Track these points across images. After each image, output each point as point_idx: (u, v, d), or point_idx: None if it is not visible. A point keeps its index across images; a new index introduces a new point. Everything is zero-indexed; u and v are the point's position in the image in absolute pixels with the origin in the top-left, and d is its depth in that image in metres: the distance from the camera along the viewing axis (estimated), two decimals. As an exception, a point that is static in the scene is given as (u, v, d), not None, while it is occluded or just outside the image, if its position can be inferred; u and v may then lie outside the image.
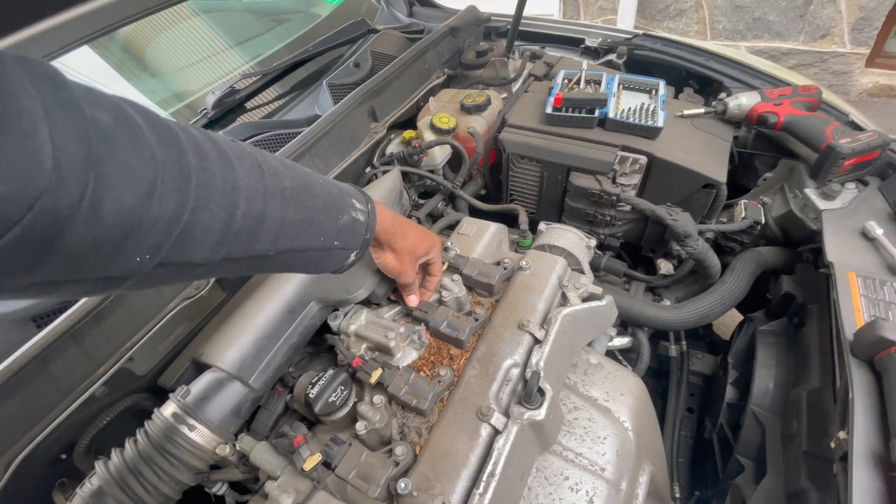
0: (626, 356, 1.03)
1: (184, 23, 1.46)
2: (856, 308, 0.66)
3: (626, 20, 3.32)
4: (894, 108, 3.09)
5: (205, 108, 1.07)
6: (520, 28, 1.30)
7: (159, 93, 1.36)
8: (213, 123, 1.08)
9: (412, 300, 0.74)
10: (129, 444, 0.59)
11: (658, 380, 1.30)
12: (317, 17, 1.55)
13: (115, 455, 0.58)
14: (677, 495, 1.04)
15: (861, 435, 0.54)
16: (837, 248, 0.76)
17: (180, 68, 1.44)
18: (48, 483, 0.68)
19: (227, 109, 1.11)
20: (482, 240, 0.89)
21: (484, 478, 0.55)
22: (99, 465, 0.58)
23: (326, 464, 0.59)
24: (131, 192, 0.32)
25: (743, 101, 0.99)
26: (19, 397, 0.61)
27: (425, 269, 0.77)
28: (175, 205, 0.35)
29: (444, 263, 0.81)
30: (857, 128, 0.95)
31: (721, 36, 3.24)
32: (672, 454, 1.08)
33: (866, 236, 0.77)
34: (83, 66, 1.13)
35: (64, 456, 0.68)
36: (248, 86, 1.15)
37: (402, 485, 0.55)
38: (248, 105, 1.15)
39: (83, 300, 0.64)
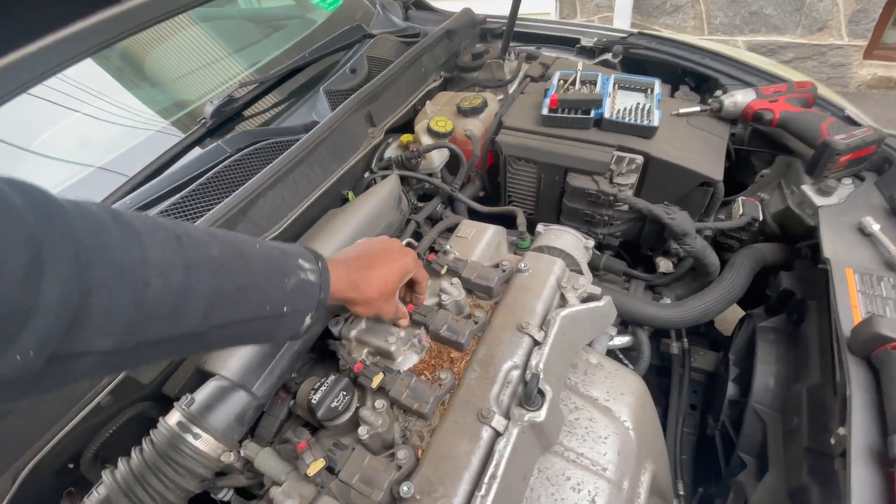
0: (627, 355, 1.03)
1: (182, 32, 1.47)
2: (853, 304, 0.66)
3: (622, 17, 3.32)
4: (894, 100, 3.08)
5: (203, 118, 1.08)
6: (515, 29, 1.31)
7: (159, 102, 1.37)
8: (212, 132, 1.09)
9: (403, 323, 0.73)
10: (135, 453, 0.60)
11: (661, 377, 1.30)
12: (313, 22, 1.55)
13: (121, 464, 0.59)
14: (681, 492, 1.05)
15: (859, 431, 0.54)
16: (834, 245, 0.76)
17: (179, 77, 1.45)
18: (56, 493, 0.69)
19: (226, 118, 1.11)
20: (481, 242, 0.90)
21: (486, 480, 0.55)
22: (106, 475, 0.58)
23: (330, 468, 0.59)
24: (5, 279, 0.28)
25: (738, 98, 1.00)
26: (26, 408, 0.62)
27: (409, 286, 0.75)
28: (61, 289, 0.31)
29: (443, 267, 0.82)
30: (853, 123, 0.96)
31: (718, 31, 3.24)
32: (675, 451, 1.08)
33: (863, 232, 0.77)
34: (83, 77, 1.14)
35: (72, 466, 0.69)
36: (245, 94, 1.16)
37: (405, 488, 0.55)
38: (247, 113, 1.16)
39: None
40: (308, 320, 0.54)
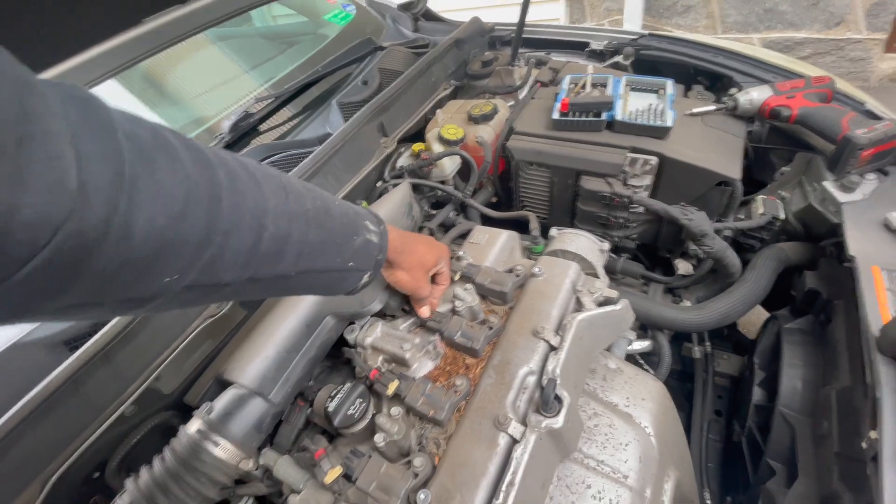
0: (647, 360, 1.01)
1: (200, 51, 1.52)
2: (881, 303, 0.64)
3: (633, 19, 3.30)
4: (919, 93, 2.98)
5: (221, 133, 1.11)
6: (524, 35, 1.31)
7: (179, 119, 1.42)
8: (229, 147, 1.12)
9: (424, 311, 0.75)
10: (157, 462, 0.61)
11: (683, 382, 1.27)
12: (325, 37, 1.59)
13: (143, 472, 0.60)
14: (708, 501, 1.01)
15: (891, 434, 0.52)
16: (859, 242, 0.73)
17: (199, 94, 1.50)
18: (83, 501, 0.70)
19: (243, 133, 1.14)
20: (494, 248, 0.89)
21: (503, 488, 0.55)
22: (129, 483, 0.60)
23: (347, 476, 0.59)
24: (164, 212, 0.32)
25: (754, 95, 0.98)
26: (54, 418, 0.64)
27: (433, 279, 0.78)
28: (206, 225, 0.35)
29: (456, 273, 0.82)
30: (874, 116, 0.93)
31: (733, 29, 3.19)
32: (700, 459, 1.05)
33: (889, 228, 0.74)
34: (107, 96, 1.19)
35: (97, 475, 0.70)
36: (261, 109, 1.19)
37: (422, 496, 0.55)
38: (262, 127, 1.19)
39: (114, 322, 0.67)
40: (366, 278, 0.58)
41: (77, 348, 0.66)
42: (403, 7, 1.61)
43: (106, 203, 0.28)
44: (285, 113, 1.26)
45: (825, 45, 3.05)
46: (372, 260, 0.58)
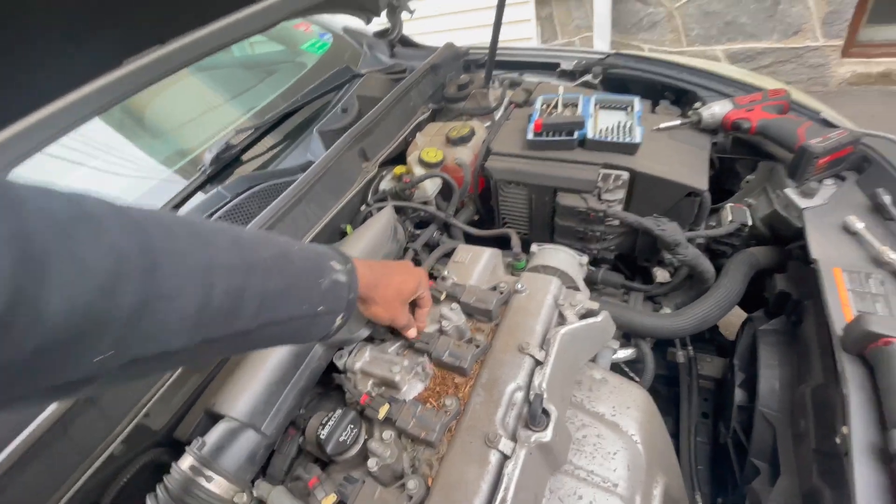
0: (632, 367, 1.04)
1: (179, 82, 1.54)
2: (843, 302, 0.67)
3: (602, 36, 3.42)
4: (875, 95, 3.14)
5: (202, 165, 1.12)
6: (498, 58, 1.36)
7: (161, 151, 1.43)
8: (211, 179, 1.13)
9: (412, 333, 0.76)
10: (150, 500, 0.61)
11: (670, 387, 1.30)
12: (304, 66, 1.62)
13: (137, 512, 0.60)
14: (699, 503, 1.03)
15: (859, 429, 0.55)
16: (821, 245, 0.78)
17: (179, 126, 1.51)
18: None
19: (225, 164, 1.16)
20: (478, 266, 0.92)
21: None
22: (122, 524, 0.59)
23: (342, 503, 0.60)
24: (87, 288, 0.30)
25: (716, 109, 1.03)
26: (41, 462, 0.63)
27: (414, 302, 0.78)
28: (141, 295, 0.33)
29: (442, 293, 0.84)
30: (830, 125, 0.99)
31: (696, 42, 3.33)
32: (690, 462, 1.08)
33: (848, 231, 0.79)
34: (87, 130, 1.19)
35: (88, 517, 0.69)
36: (242, 140, 1.21)
37: (417, 518, 0.56)
38: (244, 157, 1.20)
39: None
40: (339, 321, 0.57)
41: (64, 390, 0.66)
42: (379, 34, 1.66)
43: (6, 288, 0.26)
44: (266, 142, 1.28)
45: (785, 54, 3.20)
46: (343, 301, 0.56)
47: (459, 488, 0.59)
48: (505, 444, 0.61)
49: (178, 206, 1.09)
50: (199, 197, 1.09)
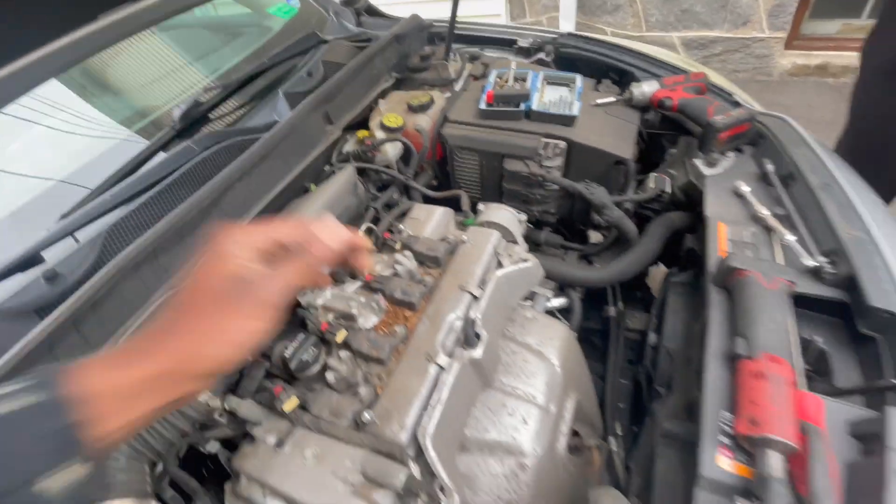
0: (564, 315, 1.19)
1: (141, 42, 1.54)
2: (721, 249, 0.83)
3: (567, 17, 3.52)
4: (812, 86, 3.40)
5: (173, 122, 1.17)
6: (460, 32, 1.44)
7: (123, 110, 1.44)
8: (180, 135, 1.18)
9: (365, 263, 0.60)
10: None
11: (604, 340, 1.47)
12: (270, 30, 1.65)
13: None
14: (619, 433, 1.21)
15: (716, 341, 0.70)
16: (714, 206, 0.93)
17: (141, 86, 1.51)
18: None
19: (192, 121, 1.20)
20: (431, 222, 1.03)
21: (432, 404, 0.69)
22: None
23: (303, 406, 0.71)
24: None
25: (645, 88, 1.16)
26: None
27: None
28: None
29: (397, 243, 0.94)
30: (736, 105, 1.14)
31: (655, 28, 3.49)
32: (612, 399, 1.25)
33: (737, 194, 0.94)
34: (44, 91, 1.20)
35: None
36: (210, 98, 1.25)
37: (367, 416, 0.68)
38: (212, 115, 1.25)
39: (80, 291, 0.74)
40: (83, 464, 0.35)
41: (47, 315, 0.73)
42: (347, 2, 1.70)
43: None
44: (233, 103, 1.32)
45: (734, 44, 3.41)
46: (70, 438, 0.34)
47: (403, 393, 0.71)
48: (442, 359, 0.74)
49: (145, 161, 1.14)
50: (165, 154, 1.14)
